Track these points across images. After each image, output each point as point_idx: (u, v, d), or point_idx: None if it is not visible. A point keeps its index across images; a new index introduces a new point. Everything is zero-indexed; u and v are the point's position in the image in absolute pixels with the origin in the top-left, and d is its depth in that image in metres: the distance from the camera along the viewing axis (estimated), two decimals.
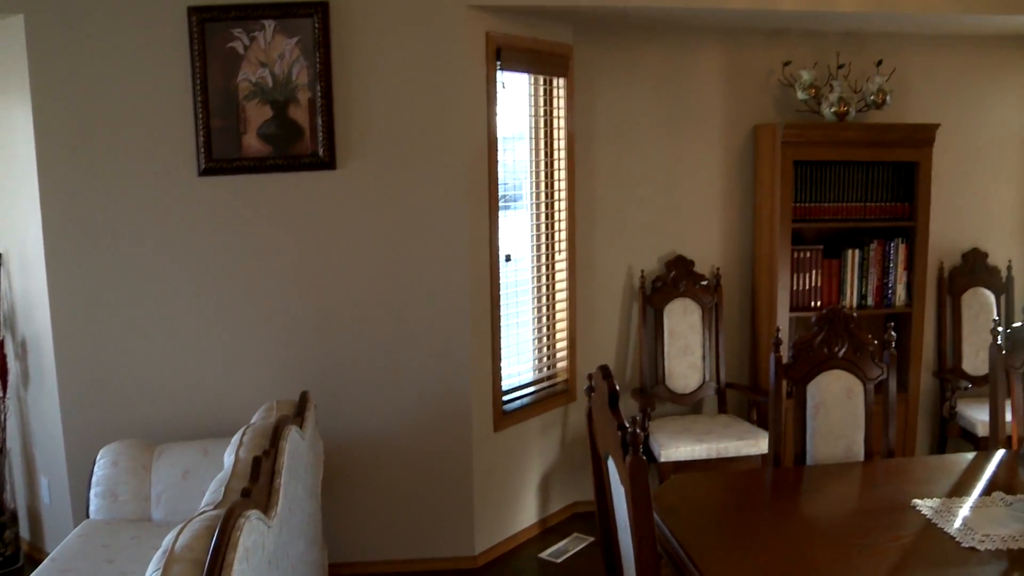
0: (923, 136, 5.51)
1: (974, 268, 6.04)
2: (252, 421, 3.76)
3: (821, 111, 5.52)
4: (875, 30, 5.65)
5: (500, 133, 4.87)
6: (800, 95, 5.50)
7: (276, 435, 3.34)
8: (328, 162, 4.53)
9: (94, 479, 4.24)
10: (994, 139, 6.04)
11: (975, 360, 5.92)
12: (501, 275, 4.96)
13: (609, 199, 5.55)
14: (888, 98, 5.52)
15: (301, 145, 4.51)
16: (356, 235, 4.63)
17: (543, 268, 5.33)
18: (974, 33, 5.80)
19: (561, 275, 5.40)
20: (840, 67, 5.61)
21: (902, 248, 5.65)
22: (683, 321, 5.59)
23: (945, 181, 5.83)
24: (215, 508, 2.59)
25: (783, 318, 5.48)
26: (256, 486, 2.80)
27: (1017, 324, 4.24)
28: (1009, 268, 6.04)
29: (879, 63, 5.63)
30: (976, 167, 6.03)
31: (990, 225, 6.11)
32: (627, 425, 2.53)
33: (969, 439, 5.68)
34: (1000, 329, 4.22)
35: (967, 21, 5.35)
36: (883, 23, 5.39)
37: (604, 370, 2.74)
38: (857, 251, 5.63)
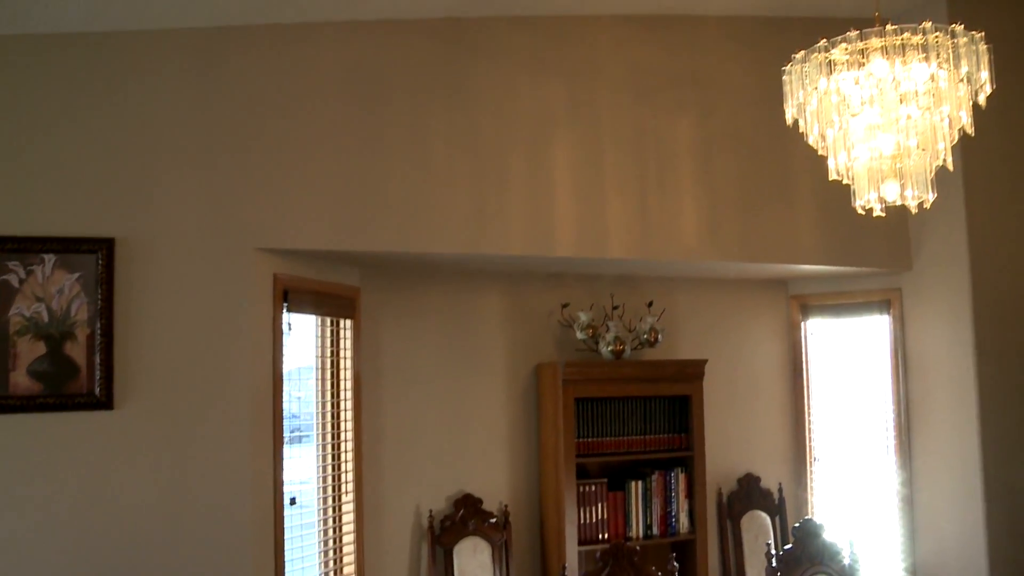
0: (693, 371, 5.87)
1: (749, 492, 6.33)
2: None
3: (599, 349, 5.81)
4: (645, 274, 6.11)
5: (291, 367, 4.85)
6: (579, 335, 5.79)
7: None
8: (104, 402, 4.34)
9: None
10: (759, 370, 6.52)
11: None
12: (286, 517, 4.80)
13: (396, 437, 5.56)
14: (660, 336, 5.90)
15: (76, 384, 4.33)
16: (130, 478, 4.37)
17: (330, 509, 5.21)
18: (734, 276, 6.36)
19: (348, 516, 5.28)
20: (615, 308, 5.99)
21: (682, 477, 5.89)
22: (473, 560, 5.53)
23: (717, 411, 6.19)
24: None
25: (572, 552, 5.52)
26: None
27: (788, 546, 4.44)
28: (780, 490, 6.38)
29: (650, 304, 6.05)
30: (745, 397, 6.45)
31: (761, 450, 6.49)
32: None
33: None
34: (773, 552, 4.40)
35: (725, 267, 5.87)
36: (651, 268, 5.85)
37: None
38: (640, 482, 5.81)
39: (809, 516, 6.26)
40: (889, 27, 3.18)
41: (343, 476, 5.29)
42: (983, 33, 3.19)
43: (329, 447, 5.23)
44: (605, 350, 5.79)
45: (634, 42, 5.48)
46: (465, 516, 5.56)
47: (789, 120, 3.46)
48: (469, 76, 5.11)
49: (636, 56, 5.48)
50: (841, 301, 6.43)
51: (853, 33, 3.22)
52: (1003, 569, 5.37)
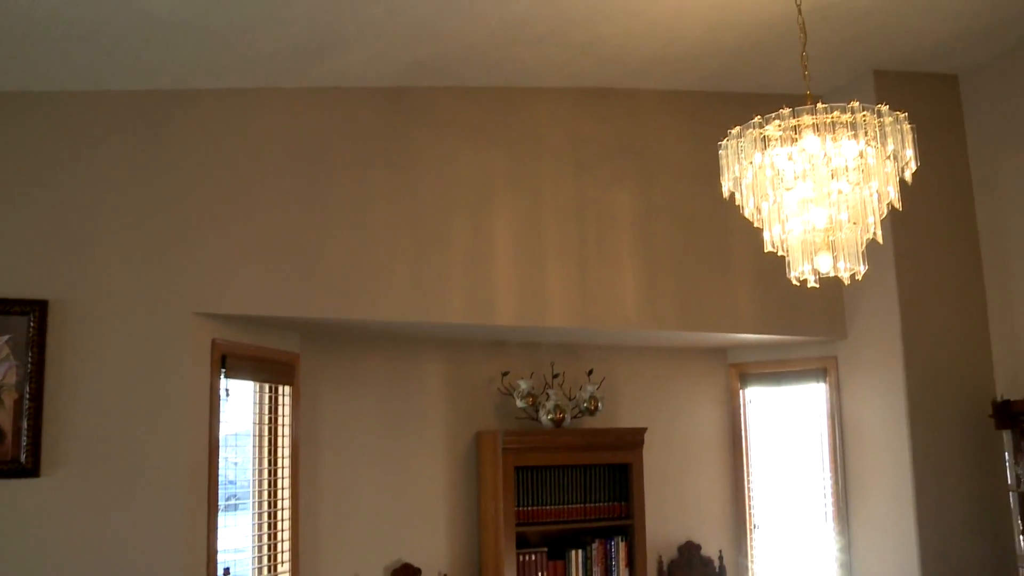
0: (633, 439, 5.89)
1: (690, 560, 6.32)
2: None
3: (539, 418, 5.82)
4: (585, 342, 6.14)
5: (229, 432, 4.77)
6: (519, 403, 5.80)
7: None
8: (31, 469, 4.19)
9: None
10: (699, 438, 6.56)
11: None
12: None
13: (334, 505, 5.47)
14: (600, 404, 5.92)
15: (1, 450, 4.20)
16: (56, 549, 4.20)
17: None
18: (672, 345, 6.42)
19: None
20: (555, 376, 6.01)
21: (622, 546, 5.86)
22: None
23: (657, 479, 6.19)
24: None
25: None
26: None
27: None
28: (720, 557, 6.37)
29: (590, 372, 6.08)
30: (685, 465, 6.47)
31: (701, 518, 6.49)
32: None
33: None
34: None
35: (665, 336, 5.93)
36: (591, 336, 5.88)
37: None
38: (580, 551, 5.78)
39: None
40: (820, 105, 3.29)
41: (279, 545, 5.19)
42: (907, 113, 3.31)
43: (265, 515, 5.14)
44: (545, 418, 5.79)
45: (575, 114, 5.59)
46: None
47: (726, 193, 3.55)
48: (412, 144, 5.16)
49: (577, 128, 5.58)
50: (779, 369, 6.51)
51: (786, 110, 3.33)
52: None
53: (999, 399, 5.37)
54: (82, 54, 4.23)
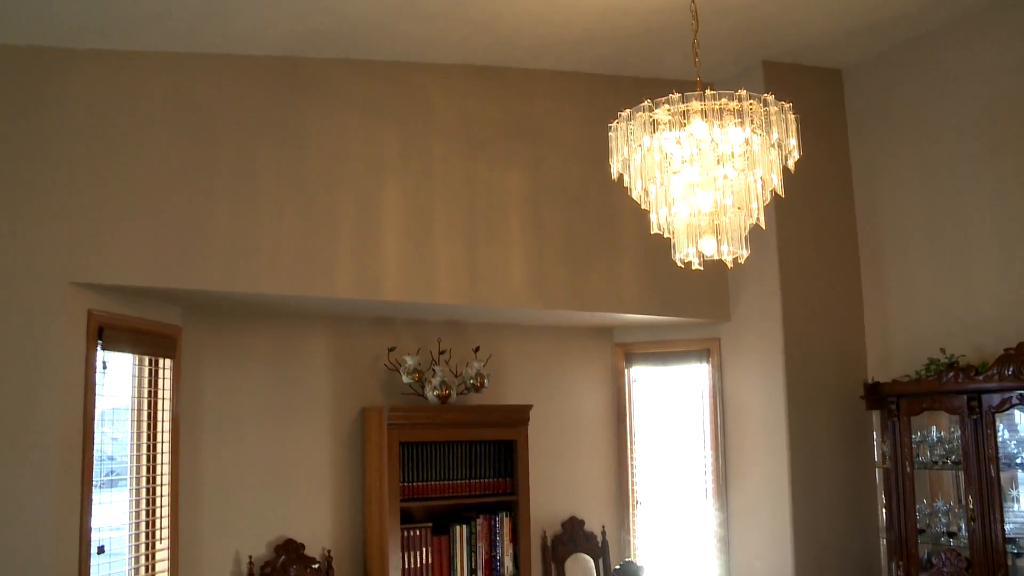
0: (519, 416, 5.95)
1: (573, 535, 6.43)
2: None
3: (425, 394, 5.82)
4: (473, 320, 6.16)
5: (108, 406, 4.62)
6: (405, 379, 5.78)
7: None
8: None
9: None
10: (584, 416, 6.65)
11: None
12: (93, 567, 4.53)
13: (216, 481, 5.36)
14: (486, 381, 5.95)
15: None
16: None
17: (143, 558, 4.97)
18: (559, 324, 6.49)
19: (163, 564, 5.05)
20: (442, 353, 6.01)
21: (507, 521, 5.92)
22: None
23: (543, 456, 6.26)
24: None
25: None
26: None
27: None
28: (603, 533, 6.49)
29: (476, 349, 6.09)
30: (570, 442, 6.56)
31: (585, 494, 6.59)
32: None
33: None
34: None
35: (552, 315, 5.99)
36: (479, 314, 5.90)
37: None
38: (465, 527, 5.81)
39: (630, 558, 6.40)
40: (708, 92, 3.35)
41: (158, 522, 5.07)
42: (791, 104, 3.40)
43: (144, 492, 5.01)
44: (431, 394, 5.79)
45: (468, 92, 5.57)
46: (287, 562, 5.41)
47: (614, 174, 3.58)
48: (301, 116, 5.07)
49: (469, 106, 5.56)
50: (664, 349, 6.64)
51: (676, 95, 3.37)
52: None
53: (870, 381, 5.59)
54: None
